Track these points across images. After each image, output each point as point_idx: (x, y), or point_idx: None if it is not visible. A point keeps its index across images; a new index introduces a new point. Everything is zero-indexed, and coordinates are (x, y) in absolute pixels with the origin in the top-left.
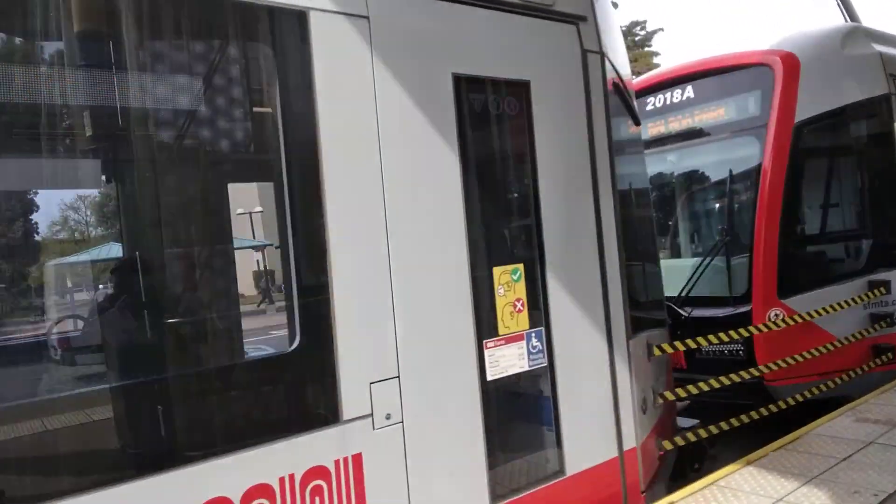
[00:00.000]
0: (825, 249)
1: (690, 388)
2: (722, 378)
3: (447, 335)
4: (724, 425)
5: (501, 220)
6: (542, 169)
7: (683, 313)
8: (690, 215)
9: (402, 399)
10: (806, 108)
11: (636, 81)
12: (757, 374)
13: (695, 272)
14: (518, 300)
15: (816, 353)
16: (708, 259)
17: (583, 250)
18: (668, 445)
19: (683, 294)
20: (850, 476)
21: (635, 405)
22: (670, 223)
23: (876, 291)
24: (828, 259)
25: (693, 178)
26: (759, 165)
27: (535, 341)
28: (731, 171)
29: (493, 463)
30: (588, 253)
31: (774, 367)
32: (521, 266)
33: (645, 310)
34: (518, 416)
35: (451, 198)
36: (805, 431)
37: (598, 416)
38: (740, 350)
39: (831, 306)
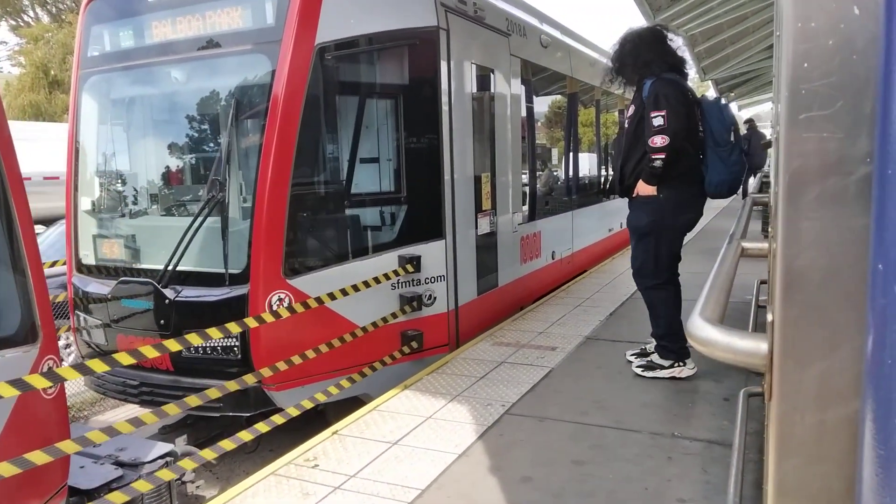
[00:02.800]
0: (351, 215)
1: (146, 416)
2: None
3: None
4: (206, 454)
5: None
6: None
7: (168, 295)
8: (180, 157)
9: None
10: (333, 26)
11: None
12: (255, 379)
13: (183, 238)
14: None
15: (337, 345)
16: (199, 221)
17: None
18: None
19: (170, 268)
20: (486, 391)
21: None
22: (159, 168)
23: (405, 268)
24: (353, 227)
25: (192, 106)
26: (270, 97)
27: None
28: (236, 101)
29: None
30: None
31: (283, 368)
32: None
33: None
34: None
35: None
36: (453, 356)
37: None
38: (236, 346)
39: (355, 287)
